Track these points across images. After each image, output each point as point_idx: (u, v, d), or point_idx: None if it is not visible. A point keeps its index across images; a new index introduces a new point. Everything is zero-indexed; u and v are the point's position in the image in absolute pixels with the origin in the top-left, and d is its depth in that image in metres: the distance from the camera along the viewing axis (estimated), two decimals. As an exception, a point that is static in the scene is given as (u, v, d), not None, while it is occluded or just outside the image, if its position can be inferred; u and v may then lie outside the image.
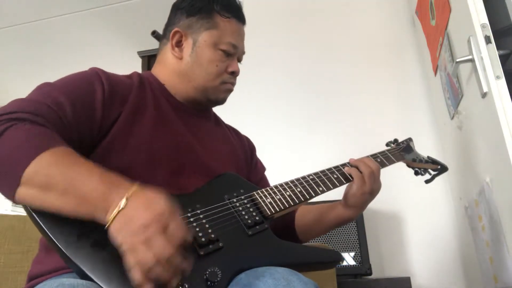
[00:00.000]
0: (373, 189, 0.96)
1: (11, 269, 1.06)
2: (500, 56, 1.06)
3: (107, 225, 0.61)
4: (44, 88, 0.77)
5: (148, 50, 2.55)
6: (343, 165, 1.00)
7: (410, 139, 1.19)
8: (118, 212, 0.60)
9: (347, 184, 0.98)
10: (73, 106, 0.75)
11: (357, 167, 0.97)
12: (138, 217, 0.59)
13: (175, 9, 1.01)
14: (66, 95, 0.75)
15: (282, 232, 0.89)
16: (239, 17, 1.00)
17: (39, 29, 3.10)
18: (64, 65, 3.36)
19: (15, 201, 0.64)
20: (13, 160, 0.62)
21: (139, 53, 2.70)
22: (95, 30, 3.14)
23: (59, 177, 0.62)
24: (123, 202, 0.60)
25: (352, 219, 1.00)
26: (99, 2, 2.87)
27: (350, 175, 0.97)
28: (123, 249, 0.59)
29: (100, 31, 3.15)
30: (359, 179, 0.95)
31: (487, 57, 1.05)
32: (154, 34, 2.06)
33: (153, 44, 2.25)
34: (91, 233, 0.65)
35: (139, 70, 2.40)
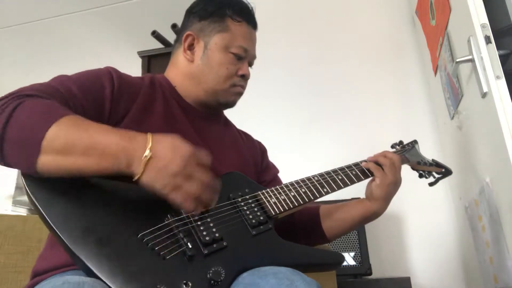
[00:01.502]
0: (397, 180, 0.97)
1: (11, 269, 1.06)
2: (500, 56, 1.06)
3: (137, 176, 0.65)
4: (59, 77, 0.80)
5: (148, 50, 2.54)
6: (348, 166, 1.00)
7: (415, 142, 1.19)
8: (146, 163, 0.65)
9: (351, 186, 0.97)
10: (83, 96, 0.78)
11: (375, 161, 0.98)
12: (172, 162, 0.66)
13: (188, 13, 1.03)
14: (77, 85, 0.79)
15: (307, 229, 0.90)
16: (251, 22, 1.01)
17: (39, 29, 3.10)
18: (64, 65, 3.35)
19: (36, 171, 0.65)
20: (31, 129, 0.64)
21: (139, 53, 2.69)
22: (95, 30, 3.14)
23: (78, 138, 0.65)
24: (147, 153, 0.65)
25: (378, 214, 0.98)
26: (99, 2, 2.87)
27: (369, 170, 0.98)
28: (165, 191, 0.66)
29: (100, 31, 3.15)
30: (380, 171, 0.96)
31: (487, 57, 1.05)
32: (154, 34, 2.06)
33: (153, 44, 2.25)
34: (96, 228, 0.66)
35: (139, 70, 2.40)
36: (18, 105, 0.66)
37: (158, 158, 0.66)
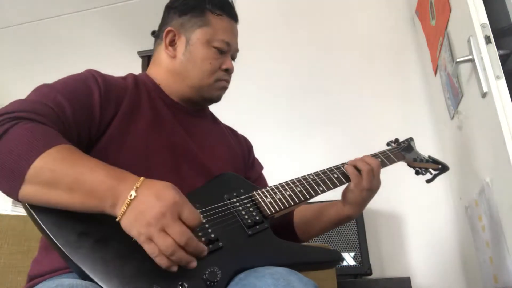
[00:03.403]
0: (372, 186, 0.95)
1: (11, 269, 1.06)
2: (500, 56, 1.06)
3: (118, 218, 0.62)
4: (42, 89, 0.77)
5: (148, 50, 2.55)
6: (344, 164, 0.99)
7: (411, 139, 1.19)
8: (129, 204, 0.62)
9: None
10: (72, 107, 0.75)
11: (354, 165, 0.96)
12: (150, 208, 0.61)
13: (167, 9, 1.02)
14: (65, 96, 0.76)
15: (281, 231, 0.89)
16: (231, 15, 1.00)
17: (39, 29, 3.10)
18: (64, 65, 3.35)
19: (18, 199, 0.64)
20: (18, 157, 0.62)
21: (139, 53, 2.70)
22: (95, 30, 3.14)
23: (65, 173, 0.63)
24: (132, 194, 0.62)
25: (352, 217, 0.98)
26: (99, 2, 2.87)
27: (345, 174, 0.96)
28: (141, 240, 0.61)
29: (100, 31, 3.15)
30: (356, 176, 0.94)
31: (487, 57, 1.05)
32: (154, 34, 2.06)
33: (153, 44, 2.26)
34: (91, 233, 0.65)
35: (139, 70, 2.40)
36: (8, 129, 0.64)
37: (140, 201, 0.62)
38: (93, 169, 0.65)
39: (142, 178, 0.65)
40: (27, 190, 0.63)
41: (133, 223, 0.61)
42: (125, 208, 0.62)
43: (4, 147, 0.63)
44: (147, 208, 0.61)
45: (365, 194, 0.95)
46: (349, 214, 0.97)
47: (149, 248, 0.61)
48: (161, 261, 0.61)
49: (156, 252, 0.61)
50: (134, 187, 0.63)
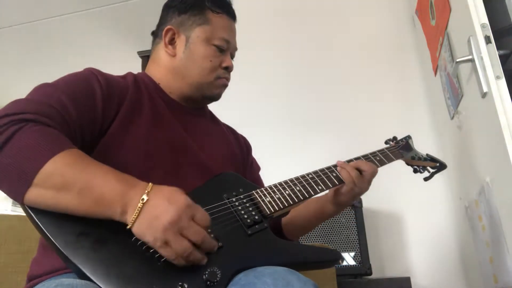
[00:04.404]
0: (362, 190, 0.97)
1: (11, 269, 1.06)
2: (500, 56, 1.06)
3: (130, 225, 0.63)
4: (45, 89, 0.76)
5: (148, 50, 2.54)
6: None
7: (409, 137, 1.19)
8: (140, 209, 0.63)
9: None
10: (76, 108, 0.75)
11: (347, 170, 0.96)
12: (165, 213, 0.63)
13: (166, 8, 1.02)
14: (68, 97, 0.75)
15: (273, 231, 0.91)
16: (230, 13, 1.01)
17: (39, 29, 3.10)
18: (64, 65, 3.35)
19: (24, 203, 0.64)
20: (26, 161, 0.62)
21: (139, 53, 2.70)
22: (95, 30, 3.14)
23: (75, 178, 0.63)
24: (144, 197, 0.63)
25: (332, 216, 1.05)
26: (99, 2, 2.87)
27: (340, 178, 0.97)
28: (157, 246, 0.63)
29: (100, 31, 3.15)
30: (351, 182, 0.95)
31: (487, 57, 1.05)
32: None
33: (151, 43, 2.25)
34: (90, 233, 0.65)
35: (139, 70, 2.40)
36: (15, 132, 0.63)
37: (152, 205, 0.63)
38: (102, 175, 0.65)
39: (150, 184, 0.66)
40: (35, 194, 0.63)
41: (147, 229, 0.63)
42: (137, 214, 0.63)
43: (12, 150, 0.62)
44: (161, 213, 0.63)
45: (356, 197, 0.98)
46: (335, 214, 1.02)
47: (166, 252, 0.63)
48: (178, 263, 0.64)
49: (174, 255, 0.63)
50: (144, 194, 0.64)
